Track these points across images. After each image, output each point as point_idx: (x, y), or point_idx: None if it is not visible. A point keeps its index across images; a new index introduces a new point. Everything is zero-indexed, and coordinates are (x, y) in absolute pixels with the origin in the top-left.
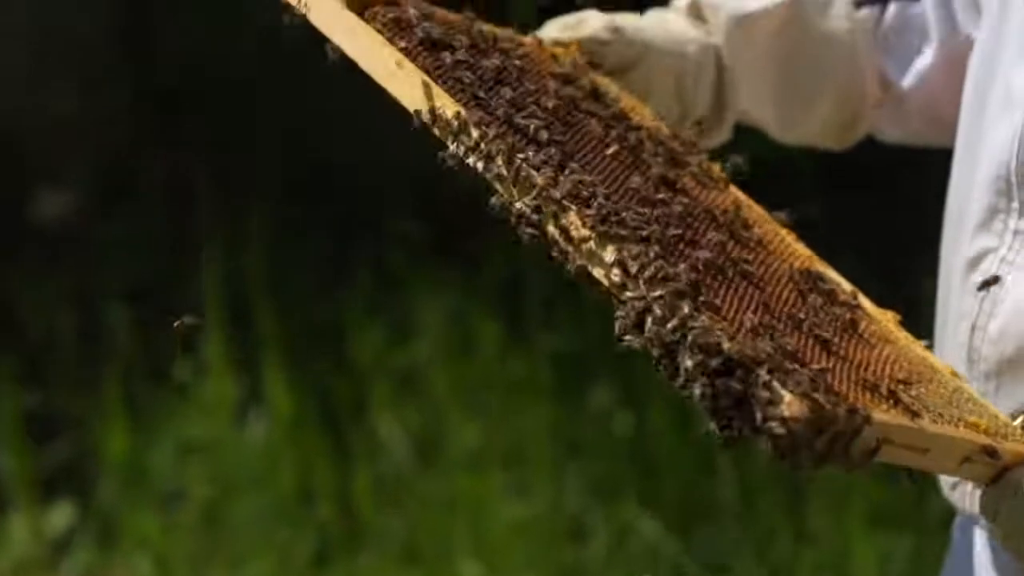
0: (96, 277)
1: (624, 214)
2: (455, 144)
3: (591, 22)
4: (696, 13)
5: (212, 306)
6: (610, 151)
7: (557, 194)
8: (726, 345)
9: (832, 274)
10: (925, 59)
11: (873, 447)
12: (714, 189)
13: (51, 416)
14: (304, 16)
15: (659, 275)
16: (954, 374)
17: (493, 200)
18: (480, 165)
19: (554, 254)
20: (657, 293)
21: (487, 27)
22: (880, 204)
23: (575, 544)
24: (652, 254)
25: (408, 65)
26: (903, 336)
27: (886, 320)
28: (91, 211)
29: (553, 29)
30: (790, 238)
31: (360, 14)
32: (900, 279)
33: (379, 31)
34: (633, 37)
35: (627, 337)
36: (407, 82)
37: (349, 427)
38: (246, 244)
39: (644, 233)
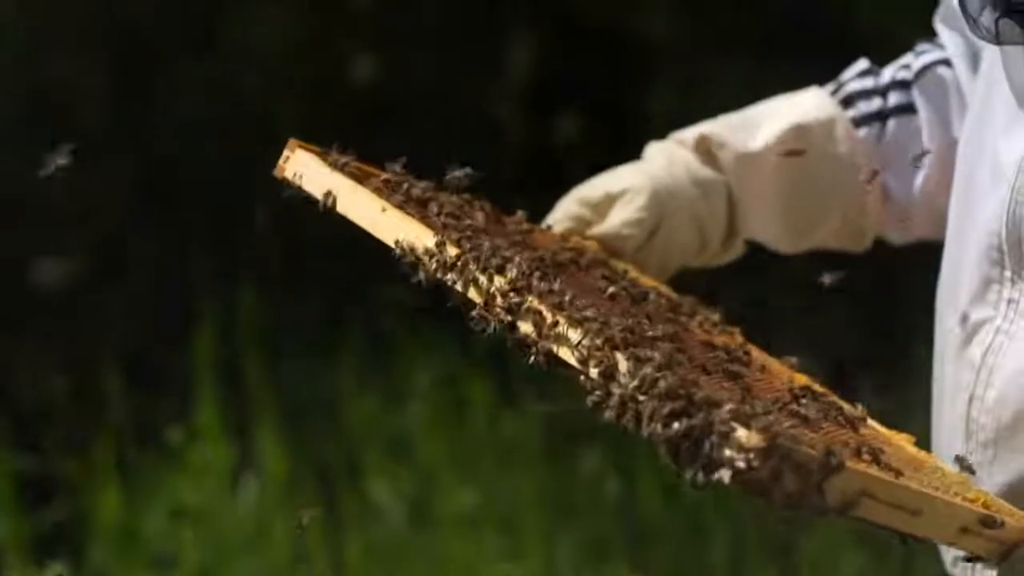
0: (90, 344)
1: (591, 312)
2: (432, 263)
3: (613, 217)
4: (704, 149)
5: (204, 371)
6: (609, 292)
7: (533, 289)
8: (692, 390)
9: (841, 402)
10: (924, 171)
11: (852, 498)
12: (719, 334)
13: (44, 480)
14: (299, 186)
15: (628, 348)
16: (964, 480)
17: (474, 318)
18: (454, 277)
19: (521, 342)
20: (624, 361)
21: (489, 205)
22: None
23: None
24: (619, 337)
25: (391, 209)
26: (917, 452)
27: (899, 439)
28: (87, 279)
29: (565, 217)
30: (799, 377)
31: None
32: (898, 346)
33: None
34: (652, 214)
35: (597, 402)
36: (392, 222)
37: (342, 491)
38: (239, 309)
39: (617, 327)
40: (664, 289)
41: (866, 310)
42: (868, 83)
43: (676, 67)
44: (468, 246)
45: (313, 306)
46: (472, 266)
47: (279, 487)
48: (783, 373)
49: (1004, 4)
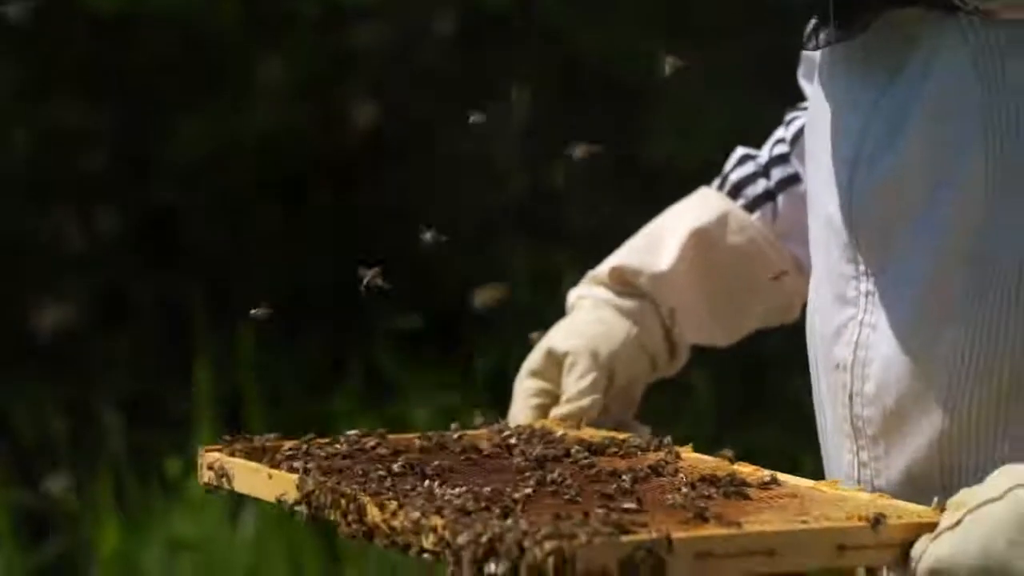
0: (90, 383)
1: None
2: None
3: (568, 390)
4: (620, 280)
5: (204, 405)
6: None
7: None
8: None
9: (758, 473)
10: None
11: (690, 564)
12: (651, 455)
13: (44, 514)
14: (222, 486)
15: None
16: (880, 496)
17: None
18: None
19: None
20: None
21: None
22: None
23: None
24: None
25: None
26: (829, 490)
27: (817, 486)
28: (87, 323)
29: (527, 404)
30: (735, 465)
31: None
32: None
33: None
34: (601, 368)
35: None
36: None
37: None
38: (238, 346)
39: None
40: (599, 435)
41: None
42: (749, 168)
43: (675, 106)
44: (329, 483)
45: (312, 342)
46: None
47: (276, 519)
48: (703, 470)
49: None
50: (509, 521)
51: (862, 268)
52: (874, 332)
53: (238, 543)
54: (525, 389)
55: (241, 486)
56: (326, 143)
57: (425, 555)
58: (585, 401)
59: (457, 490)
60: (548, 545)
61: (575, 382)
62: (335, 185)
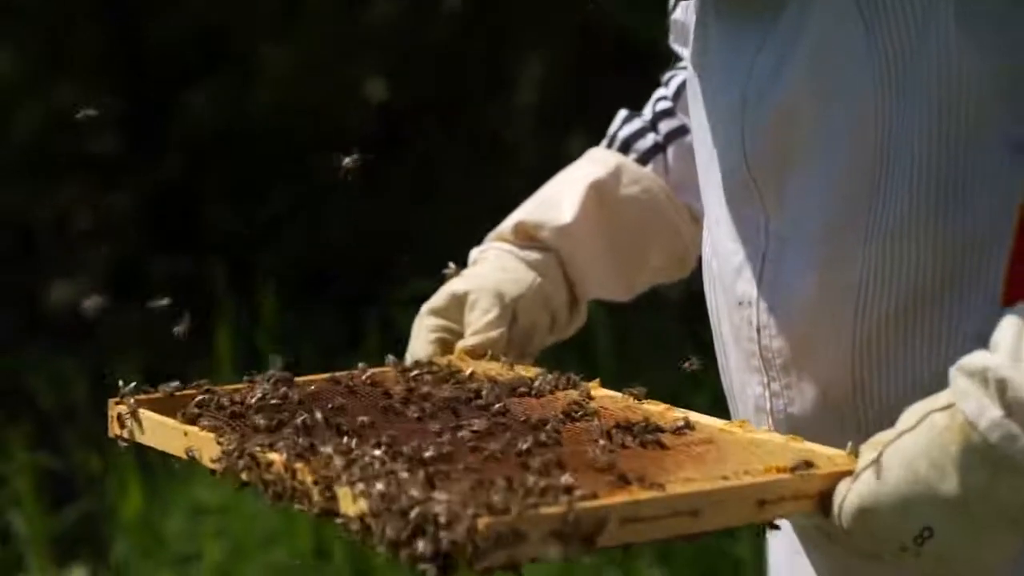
0: (110, 352)
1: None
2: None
3: (473, 324)
4: (523, 235)
5: (225, 369)
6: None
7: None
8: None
9: (671, 413)
10: None
11: (615, 530)
12: (562, 396)
13: (65, 480)
14: (133, 440)
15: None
16: (793, 439)
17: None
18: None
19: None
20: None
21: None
22: None
23: None
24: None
25: (191, 430)
26: (740, 432)
27: (727, 427)
28: (104, 295)
29: (427, 340)
30: (645, 404)
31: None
32: None
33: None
34: (503, 308)
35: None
36: (196, 441)
37: None
38: (259, 311)
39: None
40: (507, 370)
41: None
42: (636, 124)
43: None
44: (230, 439)
45: (331, 307)
46: (238, 457)
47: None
48: (613, 414)
49: None
50: (438, 495)
51: (760, 205)
52: (777, 264)
53: (261, 508)
54: (426, 326)
55: (150, 439)
56: (337, 118)
57: (345, 523)
58: (493, 333)
59: (377, 452)
60: (481, 522)
61: (480, 316)
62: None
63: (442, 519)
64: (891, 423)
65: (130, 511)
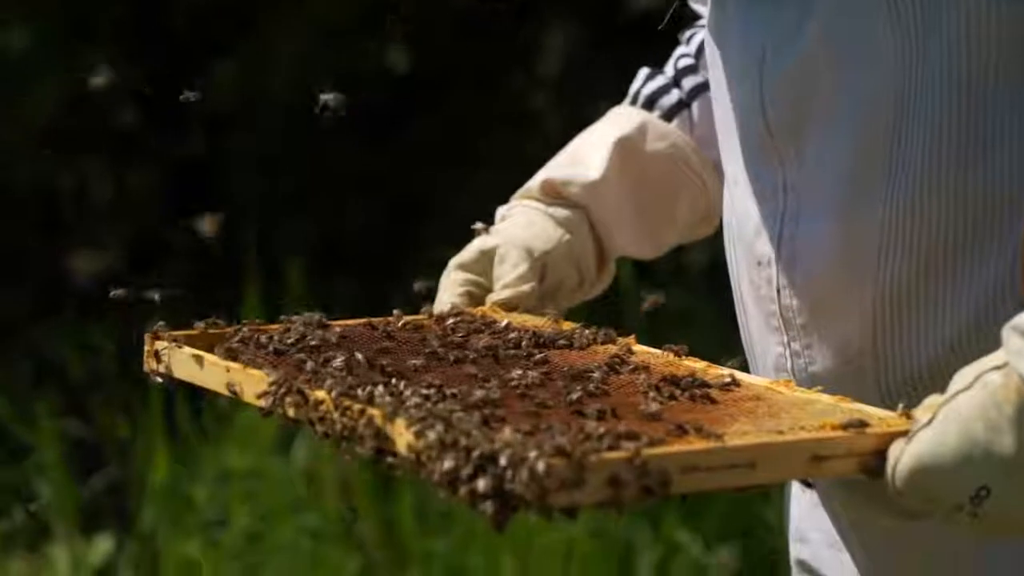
0: (139, 313)
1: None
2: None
3: (503, 277)
4: (551, 192)
5: None
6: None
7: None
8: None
9: (713, 370)
10: None
11: (675, 478)
12: (601, 350)
13: (92, 447)
14: (169, 375)
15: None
16: (842, 399)
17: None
18: (291, 402)
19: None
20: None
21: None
22: None
23: (622, 564)
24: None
25: (234, 366)
26: (788, 391)
27: (773, 385)
28: (129, 267)
29: (454, 293)
30: (686, 360)
31: (209, 349)
32: None
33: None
34: (533, 262)
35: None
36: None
37: None
38: (285, 281)
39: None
40: (543, 323)
41: None
42: (659, 82)
43: None
44: (285, 378)
45: (356, 277)
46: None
47: (329, 448)
48: (658, 368)
49: None
50: (500, 436)
51: (778, 163)
52: (796, 224)
53: (289, 473)
54: (454, 280)
55: (188, 374)
56: (360, 90)
57: (398, 461)
58: (525, 287)
59: (429, 391)
60: (545, 464)
61: (510, 270)
62: (367, 131)
63: (503, 459)
64: (912, 382)
65: (157, 478)
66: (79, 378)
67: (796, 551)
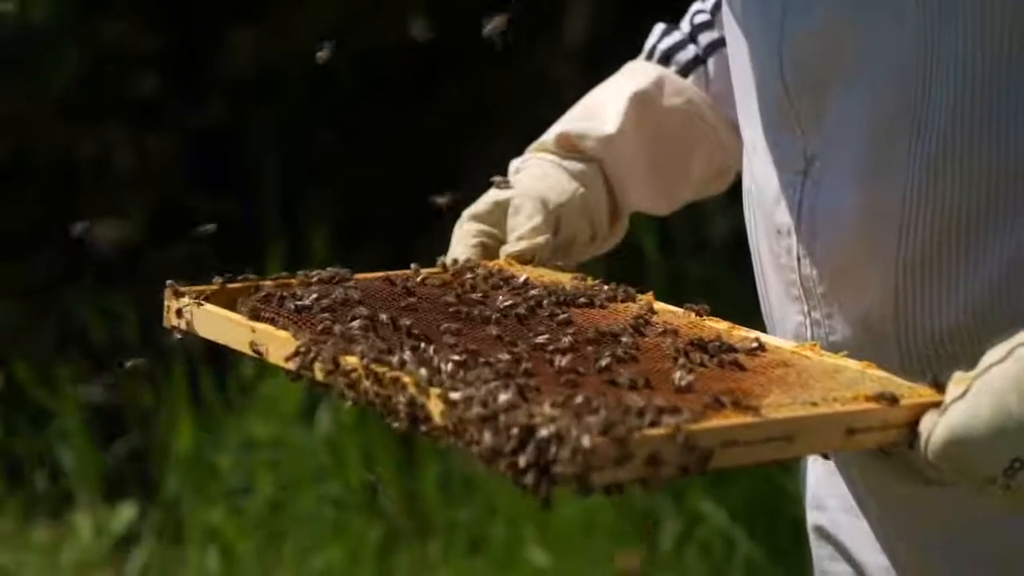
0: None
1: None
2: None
3: (517, 229)
4: (566, 145)
5: None
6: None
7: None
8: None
9: (737, 332)
10: None
11: (712, 453)
12: (624, 307)
13: (116, 415)
14: (190, 332)
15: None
16: (868, 365)
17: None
18: (319, 367)
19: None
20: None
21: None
22: None
23: (643, 533)
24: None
25: (259, 326)
26: (815, 356)
27: (799, 350)
28: (150, 234)
29: (468, 244)
30: (708, 321)
31: (229, 305)
32: None
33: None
34: (547, 214)
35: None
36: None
37: None
38: (306, 247)
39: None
40: (564, 278)
41: None
42: (676, 37)
43: None
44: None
45: (379, 244)
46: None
47: (352, 415)
48: (683, 329)
49: None
50: (542, 410)
51: (799, 129)
52: (817, 193)
53: (312, 442)
54: (467, 231)
55: (210, 332)
56: (381, 61)
57: (433, 431)
58: (540, 239)
59: (459, 357)
60: (588, 441)
61: (525, 221)
62: (391, 102)
63: (544, 433)
64: (933, 348)
65: (181, 446)
66: (101, 343)
67: (813, 518)
